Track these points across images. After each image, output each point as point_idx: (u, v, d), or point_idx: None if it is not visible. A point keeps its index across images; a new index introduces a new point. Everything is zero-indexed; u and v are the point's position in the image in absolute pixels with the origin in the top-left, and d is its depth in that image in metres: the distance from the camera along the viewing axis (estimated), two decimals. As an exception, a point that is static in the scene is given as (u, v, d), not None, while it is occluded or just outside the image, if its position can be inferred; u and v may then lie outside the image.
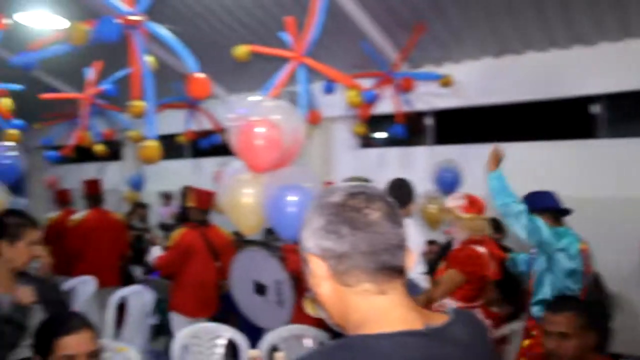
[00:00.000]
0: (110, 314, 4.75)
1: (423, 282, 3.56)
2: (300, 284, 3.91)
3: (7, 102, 7.28)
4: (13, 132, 6.87)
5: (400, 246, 1.09)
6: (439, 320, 1.10)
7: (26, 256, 2.63)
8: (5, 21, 5.95)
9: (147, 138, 4.65)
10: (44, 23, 6.48)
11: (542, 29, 6.01)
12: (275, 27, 6.19)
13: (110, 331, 4.70)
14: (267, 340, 3.53)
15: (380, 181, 4.10)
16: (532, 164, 6.33)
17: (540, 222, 3.52)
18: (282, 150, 3.01)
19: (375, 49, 6.76)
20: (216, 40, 7.51)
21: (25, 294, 2.55)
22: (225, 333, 3.77)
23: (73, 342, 2.00)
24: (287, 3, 6.42)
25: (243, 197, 3.21)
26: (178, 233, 4.88)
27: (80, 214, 6.06)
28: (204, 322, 4.65)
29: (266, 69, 6.06)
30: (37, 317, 2.54)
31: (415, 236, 3.62)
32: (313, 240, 1.10)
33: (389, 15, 6.39)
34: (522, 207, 3.54)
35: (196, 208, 4.96)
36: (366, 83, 6.54)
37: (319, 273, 1.10)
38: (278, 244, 5.15)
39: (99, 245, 5.82)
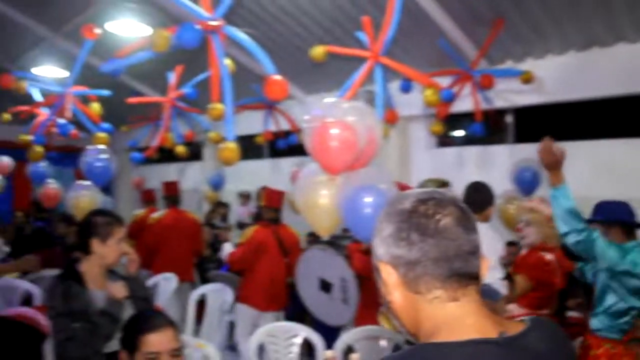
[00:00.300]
0: (191, 310, 4.90)
1: (502, 288, 3.45)
2: (364, 283, 3.95)
3: (96, 107, 7.70)
4: (102, 135, 7.25)
5: (473, 252, 1.06)
6: (514, 328, 1.06)
7: (116, 253, 2.78)
8: (96, 31, 6.27)
9: (226, 139, 4.76)
10: (129, 31, 6.78)
11: (635, 19, 5.67)
12: (352, 27, 6.19)
13: (190, 328, 4.86)
14: (343, 340, 3.53)
15: (458, 181, 4.02)
16: (620, 163, 6.02)
17: (602, 246, 3.13)
18: (357, 152, 2.99)
19: (452, 46, 6.62)
20: (293, 42, 7.60)
21: (118, 289, 2.71)
22: (301, 332, 3.81)
23: (157, 340, 2.08)
24: (363, 3, 6.39)
25: (319, 198, 3.22)
26: (250, 230, 5.10)
27: (159, 212, 6.44)
28: (270, 315, 4.99)
29: (343, 68, 6.07)
30: (128, 311, 2.70)
31: (492, 242, 3.51)
32: (383, 248, 1.09)
33: (467, 11, 6.24)
34: (581, 236, 3.10)
35: (267, 207, 5.18)
36: (443, 81, 6.41)
37: (390, 281, 1.09)
38: (344, 242, 5.23)
39: (175, 242, 6.14)
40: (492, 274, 3.37)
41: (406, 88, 6.69)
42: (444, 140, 8.22)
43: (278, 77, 4.45)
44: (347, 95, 5.13)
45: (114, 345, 2.60)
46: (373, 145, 3.14)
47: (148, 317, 2.19)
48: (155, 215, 6.40)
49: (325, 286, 4.35)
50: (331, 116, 3.00)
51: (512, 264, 3.87)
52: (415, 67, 5.79)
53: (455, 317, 1.04)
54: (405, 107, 7.13)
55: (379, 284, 1.13)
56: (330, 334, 3.85)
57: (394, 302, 1.10)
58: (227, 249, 5.08)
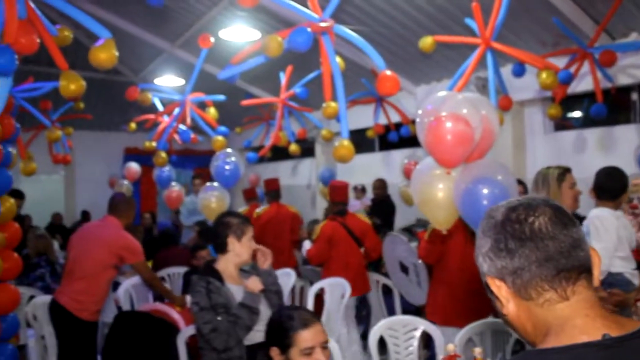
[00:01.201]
0: (309, 304, 5.06)
1: (635, 278, 3.27)
2: (432, 270, 4.19)
3: (212, 112, 8.09)
4: (220, 138, 7.60)
5: (575, 246, 1.05)
6: (630, 327, 1.00)
7: (250, 250, 3.02)
8: (210, 40, 6.59)
9: (340, 137, 4.85)
10: (240, 37, 7.04)
11: None
12: (460, 14, 6.05)
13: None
14: (463, 333, 3.50)
15: (579, 167, 3.84)
16: None
17: None
18: (472, 144, 2.95)
19: (567, 23, 6.26)
20: (400, 33, 7.52)
21: (255, 282, 2.91)
22: (420, 325, 3.81)
23: (310, 336, 2.18)
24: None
25: (435, 191, 3.21)
26: (319, 226, 5.54)
27: (262, 207, 7.01)
28: (353, 300, 5.33)
29: (452, 57, 5.96)
30: (263, 304, 2.90)
31: (626, 230, 3.32)
32: (487, 264, 1.11)
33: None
34: None
35: (332, 201, 5.65)
36: (558, 62, 6.10)
37: (501, 294, 1.11)
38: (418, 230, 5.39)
39: (276, 233, 6.61)
40: (626, 265, 3.21)
41: (519, 72, 6.42)
42: (562, 124, 7.80)
43: (389, 72, 4.46)
44: (459, 84, 5.05)
45: (255, 337, 2.81)
46: (489, 135, 3.08)
47: (296, 314, 2.27)
48: (259, 210, 6.91)
49: (404, 268, 4.79)
50: (444, 110, 2.97)
51: None
52: (527, 50, 5.57)
53: (565, 319, 1.04)
54: (518, 92, 6.86)
55: (492, 299, 1.15)
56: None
57: (509, 314, 1.12)
58: (306, 246, 5.44)
